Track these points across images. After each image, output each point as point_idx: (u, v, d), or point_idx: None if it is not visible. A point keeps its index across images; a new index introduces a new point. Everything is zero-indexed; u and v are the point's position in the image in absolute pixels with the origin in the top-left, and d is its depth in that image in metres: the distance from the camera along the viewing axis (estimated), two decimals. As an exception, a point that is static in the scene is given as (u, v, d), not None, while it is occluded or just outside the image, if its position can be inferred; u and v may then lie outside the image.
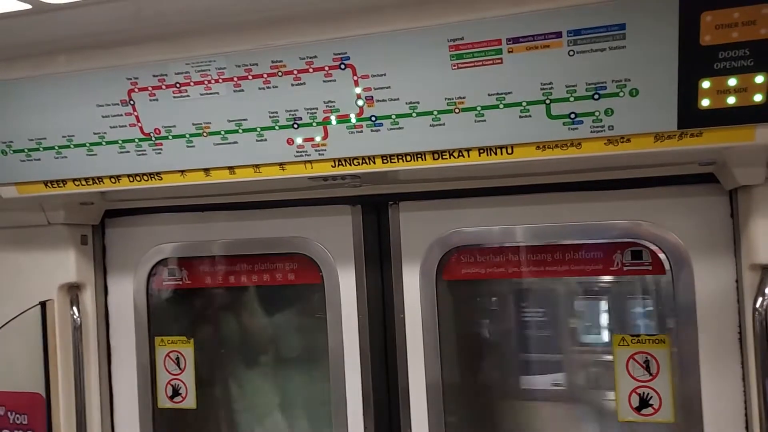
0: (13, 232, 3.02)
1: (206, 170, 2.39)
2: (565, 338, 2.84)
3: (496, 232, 2.69)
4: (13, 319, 2.97)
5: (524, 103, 2.01)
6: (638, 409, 2.56)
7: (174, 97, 2.27)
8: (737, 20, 1.78)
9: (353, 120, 2.17)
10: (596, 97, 1.95)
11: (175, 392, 3.14)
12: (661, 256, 2.51)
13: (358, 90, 2.11)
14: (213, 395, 3.21)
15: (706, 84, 1.86)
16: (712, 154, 2.18)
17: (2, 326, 2.97)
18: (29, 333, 2.96)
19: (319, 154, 2.25)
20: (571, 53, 1.91)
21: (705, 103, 1.88)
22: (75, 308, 3.00)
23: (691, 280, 2.45)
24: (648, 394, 2.55)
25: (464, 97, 2.05)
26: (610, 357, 2.60)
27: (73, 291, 3.03)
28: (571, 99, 1.97)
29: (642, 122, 1.95)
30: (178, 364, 3.13)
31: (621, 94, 1.93)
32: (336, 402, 2.87)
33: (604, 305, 2.75)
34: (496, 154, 2.11)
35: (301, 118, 2.20)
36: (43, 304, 2.96)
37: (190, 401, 3.13)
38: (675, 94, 1.89)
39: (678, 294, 2.47)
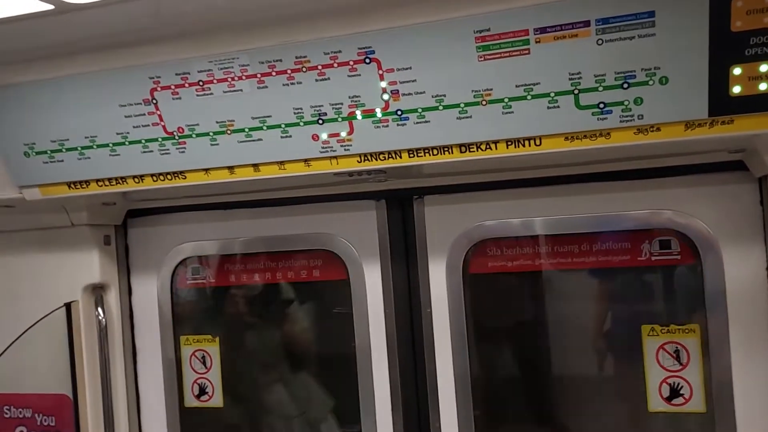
0: (36, 234, 3.03)
1: (230, 168, 2.38)
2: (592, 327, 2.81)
3: (522, 224, 2.68)
4: (38, 321, 2.98)
5: (552, 94, 1.99)
6: (669, 400, 2.55)
7: (197, 95, 2.26)
8: (768, 5, 1.76)
9: (379, 114, 2.15)
10: (625, 86, 1.93)
11: (202, 391, 3.14)
12: (690, 245, 2.49)
13: (383, 84, 2.10)
14: (240, 394, 3.20)
15: (737, 70, 1.84)
16: (743, 141, 2.16)
17: (28, 329, 2.99)
18: (55, 335, 2.98)
19: (345, 150, 2.24)
20: (600, 42, 1.89)
21: (736, 89, 1.86)
22: (100, 309, 3.02)
23: (721, 269, 2.44)
24: (678, 384, 2.53)
25: (491, 89, 2.03)
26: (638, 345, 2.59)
27: (97, 292, 3.05)
28: (600, 88, 1.95)
29: (672, 111, 1.93)
30: (204, 362, 3.14)
31: (651, 82, 1.91)
32: (364, 397, 2.87)
33: (632, 294, 2.71)
34: (524, 145, 2.09)
35: (326, 114, 2.19)
36: (67, 306, 2.97)
37: (216, 400, 3.13)
38: (706, 82, 1.87)
39: (707, 283, 2.46)
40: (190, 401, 3.16)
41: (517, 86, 2.01)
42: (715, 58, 1.84)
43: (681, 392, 2.52)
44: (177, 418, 3.15)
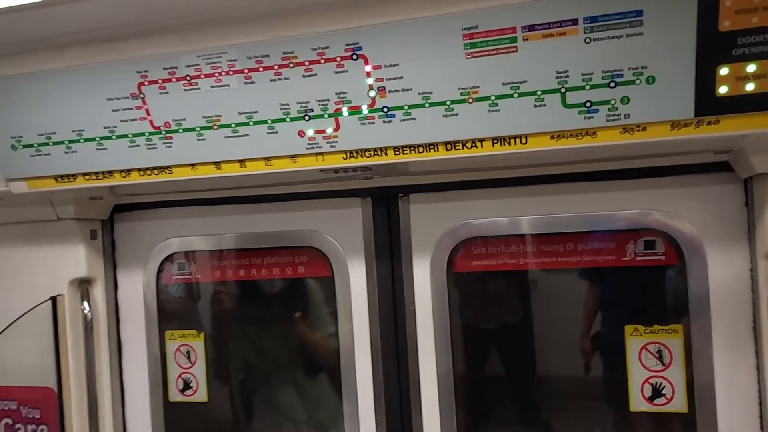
0: (23, 228, 3.02)
1: (217, 163, 2.37)
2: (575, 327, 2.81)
3: (507, 223, 2.68)
4: (24, 314, 2.97)
5: (539, 92, 1.99)
6: (651, 399, 2.55)
7: (184, 89, 2.25)
8: (757, 5, 1.76)
9: (365, 111, 2.15)
10: (612, 85, 1.93)
11: (186, 386, 3.14)
12: (675, 245, 2.50)
13: (370, 81, 2.10)
14: (224, 388, 3.20)
15: (724, 71, 1.85)
16: (729, 142, 2.17)
17: (14, 322, 2.98)
18: (40, 328, 2.97)
19: (331, 146, 2.23)
20: (588, 41, 1.89)
21: (723, 90, 1.87)
22: (86, 303, 3.01)
23: (705, 270, 2.45)
24: (661, 384, 2.54)
25: (478, 87, 2.03)
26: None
27: (83, 286, 3.04)
28: (587, 87, 1.95)
29: (658, 110, 1.94)
30: (188, 357, 3.13)
31: (637, 81, 1.91)
32: (347, 394, 2.87)
33: (616, 294, 2.72)
34: (510, 144, 2.09)
35: (312, 110, 2.18)
36: (53, 299, 2.96)
37: (201, 394, 3.13)
38: (692, 82, 1.88)
39: (691, 284, 2.47)
40: (175, 396, 3.15)
41: (504, 84, 2.01)
42: (703, 57, 1.85)
43: (663, 392, 2.53)
44: (161, 412, 3.15)
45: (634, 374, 2.57)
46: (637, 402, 2.57)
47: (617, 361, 2.59)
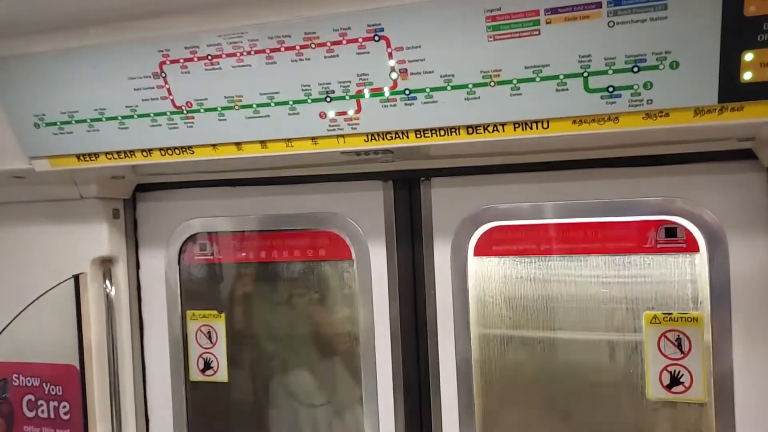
0: (46, 206, 3.05)
1: (238, 144, 2.38)
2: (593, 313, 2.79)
3: (528, 208, 2.67)
4: (47, 291, 3.01)
5: (561, 76, 1.97)
6: (669, 387, 2.54)
7: (206, 69, 2.26)
8: (784, -10, 1.73)
9: (387, 93, 2.14)
10: (635, 69, 1.91)
11: (207, 365, 3.17)
12: (696, 233, 2.48)
13: (392, 62, 2.09)
14: (245, 369, 3.23)
15: (749, 56, 1.81)
16: (752, 129, 2.14)
17: (37, 299, 3.02)
18: (63, 306, 3.00)
19: (352, 129, 2.23)
20: (611, 24, 1.87)
21: (747, 76, 1.83)
22: (108, 281, 3.04)
23: (726, 259, 2.43)
24: (679, 372, 2.53)
25: (500, 70, 2.01)
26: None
27: (105, 264, 3.07)
28: (610, 72, 1.93)
29: (682, 96, 1.91)
30: (209, 338, 3.16)
31: (661, 66, 1.89)
32: (366, 377, 2.89)
33: (635, 282, 2.70)
34: (531, 128, 2.07)
35: (333, 92, 2.18)
36: (76, 278, 2.99)
37: (221, 375, 3.16)
38: (716, 67, 1.85)
39: (712, 272, 2.45)
40: (196, 375, 3.19)
41: (526, 68, 1.99)
42: (727, 43, 1.81)
43: (681, 380, 2.52)
44: (182, 391, 3.19)
45: (653, 362, 2.56)
46: (655, 390, 2.56)
47: (635, 348, 2.58)
